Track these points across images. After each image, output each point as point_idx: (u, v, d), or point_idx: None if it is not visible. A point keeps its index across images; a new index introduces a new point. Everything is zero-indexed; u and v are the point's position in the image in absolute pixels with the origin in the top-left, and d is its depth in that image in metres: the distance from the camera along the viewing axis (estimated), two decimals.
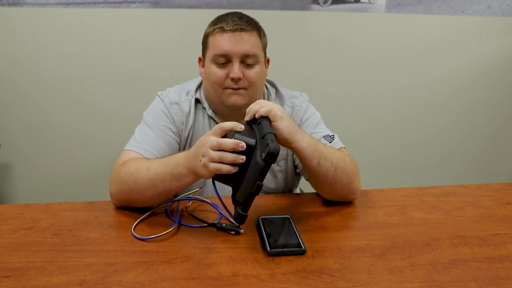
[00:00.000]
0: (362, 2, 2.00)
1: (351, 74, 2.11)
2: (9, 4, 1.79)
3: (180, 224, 0.95)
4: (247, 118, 0.93)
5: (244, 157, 0.82)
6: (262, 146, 0.81)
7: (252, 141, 0.83)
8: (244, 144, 0.81)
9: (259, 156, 0.81)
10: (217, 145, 0.82)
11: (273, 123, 0.90)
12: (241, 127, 0.85)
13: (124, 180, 0.97)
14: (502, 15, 2.12)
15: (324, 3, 1.97)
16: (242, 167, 0.83)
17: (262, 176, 0.80)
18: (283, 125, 0.91)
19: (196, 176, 0.88)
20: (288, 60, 1.99)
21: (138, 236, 0.89)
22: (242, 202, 0.82)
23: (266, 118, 0.90)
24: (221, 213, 0.99)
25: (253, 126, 0.91)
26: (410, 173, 2.32)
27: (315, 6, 1.97)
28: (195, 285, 0.74)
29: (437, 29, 2.10)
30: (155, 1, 1.86)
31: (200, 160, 0.84)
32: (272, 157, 0.78)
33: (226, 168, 0.82)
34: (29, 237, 0.88)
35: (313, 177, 1.02)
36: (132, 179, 0.95)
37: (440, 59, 2.16)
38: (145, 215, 0.97)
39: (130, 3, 1.85)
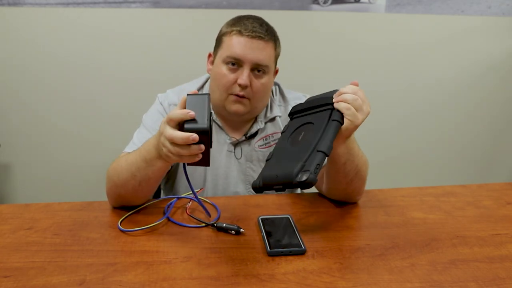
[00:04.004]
0: (362, 2, 2.00)
1: (351, 74, 2.11)
2: (9, 4, 1.79)
3: (169, 219, 0.95)
4: (335, 99, 0.91)
5: (202, 147, 0.79)
6: (310, 160, 0.79)
7: (204, 126, 0.78)
8: (195, 136, 0.77)
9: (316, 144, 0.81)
10: (169, 139, 0.79)
11: (351, 118, 0.89)
12: (190, 114, 0.79)
13: (110, 177, 0.98)
14: (502, 15, 2.12)
15: (324, 3, 1.97)
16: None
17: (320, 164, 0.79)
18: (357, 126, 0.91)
19: (165, 162, 0.88)
20: (288, 60, 1.97)
21: (123, 229, 0.90)
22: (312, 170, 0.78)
23: (339, 115, 0.89)
24: (218, 211, 0.99)
25: (330, 109, 0.91)
26: (410, 173, 2.32)
27: (315, 6, 1.97)
28: (195, 285, 0.74)
29: (437, 29, 2.10)
30: (155, 1, 1.86)
31: (162, 149, 0.83)
32: (306, 186, 0.76)
33: (187, 161, 0.82)
34: (29, 237, 0.88)
35: (332, 171, 0.99)
36: (116, 174, 0.96)
37: (440, 59, 2.16)
38: (134, 210, 0.98)
39: (130, 3, 1.85)
